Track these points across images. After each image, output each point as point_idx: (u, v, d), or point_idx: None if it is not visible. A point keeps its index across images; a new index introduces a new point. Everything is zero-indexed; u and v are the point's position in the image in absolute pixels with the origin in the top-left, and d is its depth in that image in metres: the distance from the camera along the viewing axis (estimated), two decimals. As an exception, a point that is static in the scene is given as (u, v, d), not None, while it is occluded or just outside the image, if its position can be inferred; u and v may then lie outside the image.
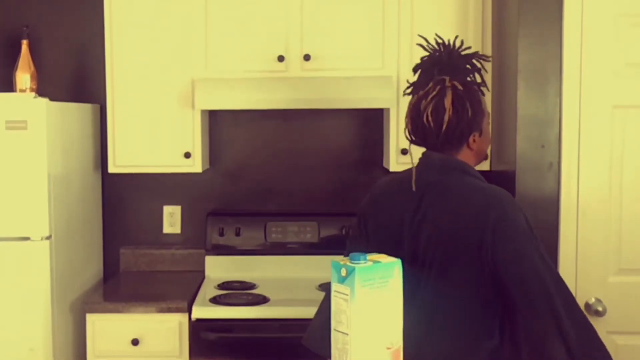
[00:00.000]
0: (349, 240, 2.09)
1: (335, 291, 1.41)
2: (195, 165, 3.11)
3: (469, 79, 1.99)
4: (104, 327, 2.86)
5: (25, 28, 3.07)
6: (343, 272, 1.38)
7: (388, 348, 1.41)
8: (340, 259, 1.44)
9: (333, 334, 1.42)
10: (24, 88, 3.03)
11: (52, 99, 2.83)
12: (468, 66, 2.00)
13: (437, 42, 2.01)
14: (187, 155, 3.08)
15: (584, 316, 1.77)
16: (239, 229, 3.32)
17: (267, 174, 3.46)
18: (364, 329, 1.39)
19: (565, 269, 2.66)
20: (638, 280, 2.67)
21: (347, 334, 1.38)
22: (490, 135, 2.16)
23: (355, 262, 1.39)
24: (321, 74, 3.04)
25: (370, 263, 1.40)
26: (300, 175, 3.46)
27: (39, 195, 2.74)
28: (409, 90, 2.05)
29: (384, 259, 1.43)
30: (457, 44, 2.01)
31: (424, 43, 2.03)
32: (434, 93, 1.91)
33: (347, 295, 1.38)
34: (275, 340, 2.79)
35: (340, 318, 1.40)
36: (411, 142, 1.99)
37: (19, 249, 2.75)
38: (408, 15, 3.03)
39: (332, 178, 3.45)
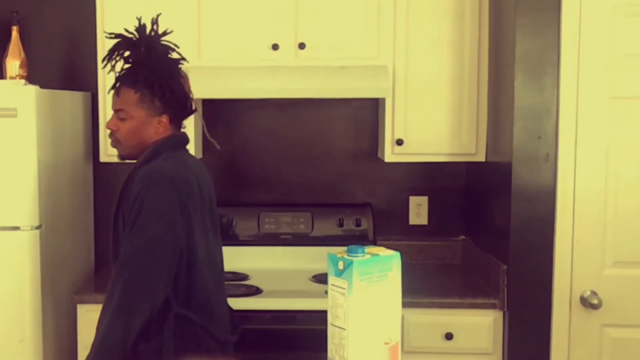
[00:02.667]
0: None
1: (332, 285, 1.38)
2: (188, 154, 3.07)
3: None
4: (95, 318, 2.81)
5: (15, 14, 3.03)
6: (340, 265, 1.35)
7: (386, 343, 1.39)
8: (337, 251, 1.41)
9: (329, 328, 1.40)
10: (13, 75, 2.99)
11: (42, 87, 2.79)
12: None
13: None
14: (180, 144, 3.04)
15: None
16: (232, 219, 3.29)
17: (261, 164, 3.43)
18: (361, 323, 1.36)
19: (561, 261, 2.66)
20: (634, 273, 2.67)
21: (344, 329, 1.36)
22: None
23: (353, 255, 1.36)
24: (316, 63, 3.00)
25: (368, 256, 1.37)
26: (294, 166, 3.43)
27: (28, 184, 2.71)
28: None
29: (383, 251, 1.40)
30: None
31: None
32: None
33: (344, 289, 1.35)
34: (268, 331, 2.77)
35: (337, 312, 1.37)
36: None
37: (8, 239, 2.71)
38: (404, 4, 2.99)
39: (326, 168, 3.43)
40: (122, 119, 2.22)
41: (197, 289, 2.17)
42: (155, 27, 2.25)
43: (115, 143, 2.26)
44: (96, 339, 2.08)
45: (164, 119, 2.22)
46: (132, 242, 2.07)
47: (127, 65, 2.25)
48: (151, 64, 2.21)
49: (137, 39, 2.23)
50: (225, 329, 2.30)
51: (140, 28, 2.24)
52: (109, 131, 2.28)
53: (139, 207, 2.06)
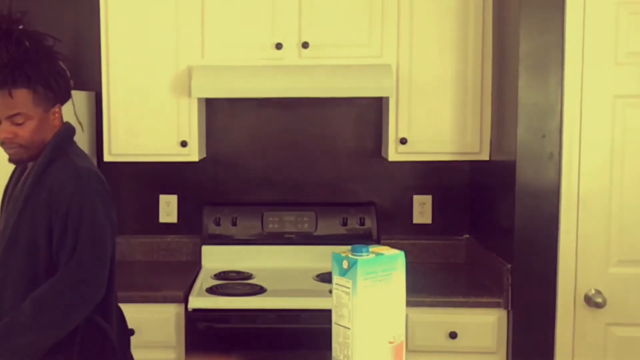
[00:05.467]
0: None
1: (336, 284, 1.38)
2: (192, 154, 3.08)
3: None
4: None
5: (18, 14, 3.02)
6: (345, 264, 1.35)
7: (390, 342, 1.39)
8: (341, 250, 1.41)
9: (334, 327, 1.40)
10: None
11: (46, 86, 2.79)
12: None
13: None
14: (184, 143, 3.05)
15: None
16: (236, 218, 3.30)
17: (264, 163, 3.43)
18: (365, 322, 1.36)
19: (565, 260, 2.65)
20: (638, 271, 2.67)
21: (348, 328, 1.36)
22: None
23: (357, 254, 1.36)
24: (319, 62, 3.00)
25: (372, 255, 1.37)
26: (298, 165, 3.43)
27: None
28: None
29: (387, 251, 1.40)
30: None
31: None
32: None
33: (348, 288, 1.35)
34: (272, 330, 2.77)
35: (342, 311, 1.37)
36: None
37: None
38: (407, 3, 2.99)
39: (330, 167, 3.43)
40: (20, 123, 2.05)
41: (112, 291, 2.10)
42: (11, 14, 2.09)
43: (17, 149, 2.09)
44: (33, 333, 1.96)
45: (57, 109, 2.14)
46: (85, 244, 1.98)
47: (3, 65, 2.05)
48: (33, 56, 2.06)
49: (10, 33, 2.05)
50: (124, 336, 2.21)
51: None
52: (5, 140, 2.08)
53: (79, 209, 1.98)
